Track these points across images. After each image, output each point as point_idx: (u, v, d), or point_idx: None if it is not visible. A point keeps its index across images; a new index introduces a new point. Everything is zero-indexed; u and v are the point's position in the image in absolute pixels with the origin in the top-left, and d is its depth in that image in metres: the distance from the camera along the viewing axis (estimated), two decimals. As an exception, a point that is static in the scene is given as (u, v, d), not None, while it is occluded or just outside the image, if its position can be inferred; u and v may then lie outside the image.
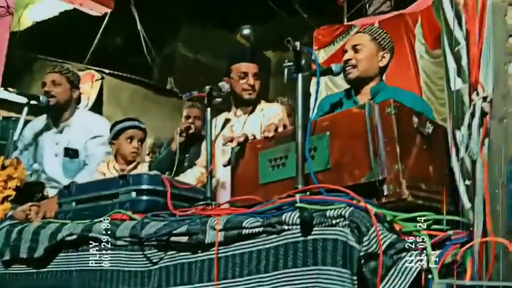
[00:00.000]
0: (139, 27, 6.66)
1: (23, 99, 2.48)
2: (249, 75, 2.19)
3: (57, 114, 2.66)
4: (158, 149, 4.21)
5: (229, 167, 1.65)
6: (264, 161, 1.48)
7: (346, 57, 1.81)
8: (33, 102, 2.47)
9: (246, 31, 9.49)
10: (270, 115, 2.16)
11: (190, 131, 2.71)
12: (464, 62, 1.14)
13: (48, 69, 2.73)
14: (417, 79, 4.67)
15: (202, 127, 2.79)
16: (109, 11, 4.73)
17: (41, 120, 2.74)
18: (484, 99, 1.07)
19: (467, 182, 1.14)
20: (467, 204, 1.14)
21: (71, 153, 2.60)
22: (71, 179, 2.27)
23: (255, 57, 2.27)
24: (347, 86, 1.95)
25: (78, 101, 2.73)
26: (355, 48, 1.81)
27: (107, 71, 6.41)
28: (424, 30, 4.57)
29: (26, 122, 2.57)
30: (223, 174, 2.12)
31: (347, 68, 1.78)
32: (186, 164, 2.72)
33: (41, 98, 2.50)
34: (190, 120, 2.90)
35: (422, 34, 4.59)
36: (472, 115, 1.07)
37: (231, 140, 1.62)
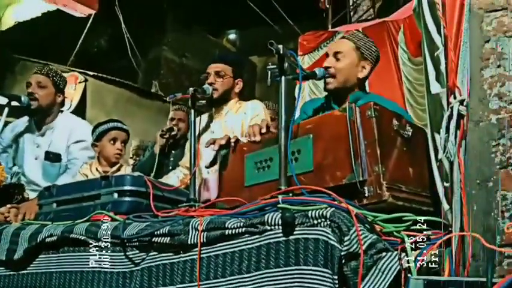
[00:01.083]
0: (124, 29, 6.61)
1: (3, 100, 2.43)
2: (211, 75, 2.23)
3: (39, 117, 2.58)
4: (142, 152, 4.19)
5: (211, 169, 1.65)
6: (250, 164, 1.49)
7: (326, 63, 1.80)
8: (14, 103, 2.42)
9: (232, 36, 9.53)
10: (252, 114, 2.16)
11: (173, 133, 2.71)
12: (442, 66, 1.18)
13: (35, 68, 2.65)
14: (400, 85, 4.74)
15: (187, 130, 2.79)
16: (93, 12, 4.69)
17: (22, 122, 2.67)
18: (461, 102, 1.10)
19: (446, 184, 1.16)
20: (445, 206, 1.16)
21: (51, 157, 2.52)
22: (52, 183, 2.22)
23: (224, 58, 2.32)
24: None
25: (62, 104, 2.65)
26: (336, 57, 1.79)
27: (90, 73, 6.32)
28: (407, 38, 4.64)
29: (6, 124, 2.51)
30: (205, 175, 2.12)
31: (326, 78, 1.77)
32: (170, 167, 2.72)
33: (22, 99, 2.44)
34: (174, 122, 2.90)
35: (405, 42, 4.66)
36: (450, 118, 1.10)
37: (213, 143, 1.61)
